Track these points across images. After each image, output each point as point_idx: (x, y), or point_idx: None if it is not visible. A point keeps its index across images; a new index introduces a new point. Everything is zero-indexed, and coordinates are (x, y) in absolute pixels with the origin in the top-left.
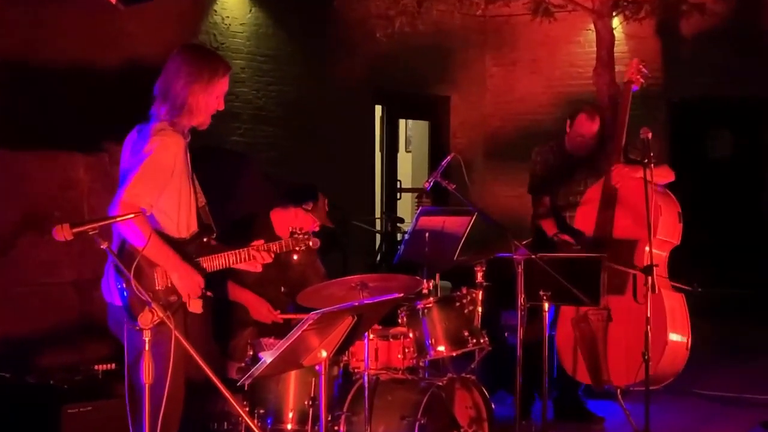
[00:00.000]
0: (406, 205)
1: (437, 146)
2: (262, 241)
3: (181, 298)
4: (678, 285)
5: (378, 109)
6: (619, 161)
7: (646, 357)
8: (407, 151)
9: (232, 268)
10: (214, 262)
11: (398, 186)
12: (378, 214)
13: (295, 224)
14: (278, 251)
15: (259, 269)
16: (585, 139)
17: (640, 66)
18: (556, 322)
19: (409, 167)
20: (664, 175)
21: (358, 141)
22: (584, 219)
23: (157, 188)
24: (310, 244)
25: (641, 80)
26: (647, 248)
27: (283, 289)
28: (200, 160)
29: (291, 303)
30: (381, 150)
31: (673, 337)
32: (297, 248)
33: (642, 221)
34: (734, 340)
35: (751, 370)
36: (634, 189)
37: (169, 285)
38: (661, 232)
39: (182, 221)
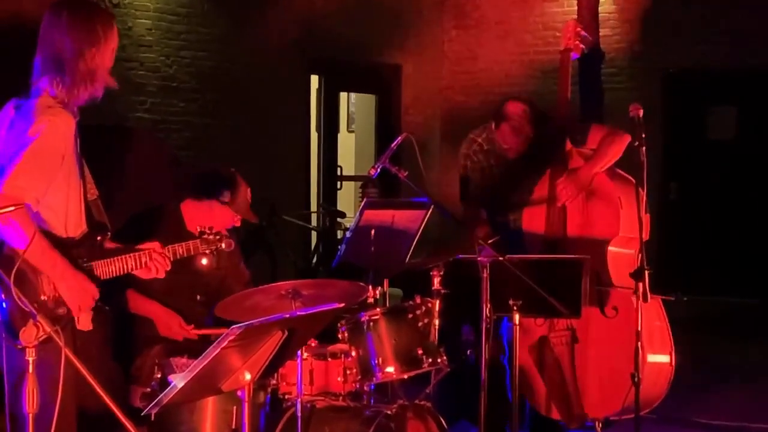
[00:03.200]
0: (348, 196)
1: (386, 125)
2: (157, 243)
3: (71, 311)
4: (658, 296)
5: (314, 80)
6: (564, 148)
7: (636, 379)
8: (349, 131)
9: (131, 274)
10: (108, 268)
11: (339, 173)
12: (314, 207)
13: (211, 219)
14: (184, 255)
15: (162, 275)
16: (514, 147)
17: (578, 29)
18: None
19: (351, 150)
20: (616, 148)
21: (290, 119)
22: (535, 220)
23: (45, 179)
24: (222, 246)
25: (581, 46)
26: (614, 248)
27: (198, 297)
28: (95, 142)
29: (209, 315)
30: (318, 129)
31: (653, 355)
32: (206, 251)
33: (607, 216)
34: (739, 356)
35: (760, 393)
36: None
37: (58, 295)
38: (624, 228)
39: (71, 218)
